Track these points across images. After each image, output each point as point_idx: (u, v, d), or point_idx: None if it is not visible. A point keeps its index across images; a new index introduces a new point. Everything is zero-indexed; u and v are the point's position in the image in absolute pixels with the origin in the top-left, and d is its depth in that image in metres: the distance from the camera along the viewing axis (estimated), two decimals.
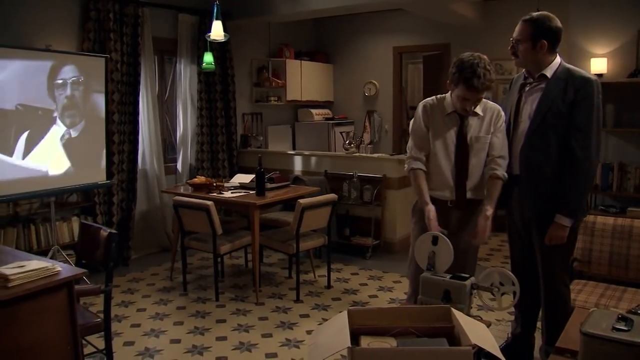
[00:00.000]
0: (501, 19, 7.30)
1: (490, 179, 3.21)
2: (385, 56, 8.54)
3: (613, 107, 5.30)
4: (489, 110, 3.27)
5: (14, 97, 4.69)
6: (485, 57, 3.16)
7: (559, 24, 3.04)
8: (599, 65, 5.33)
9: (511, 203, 3.31)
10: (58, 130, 5.08)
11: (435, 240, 2.81)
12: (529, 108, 3.12)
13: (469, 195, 3.27)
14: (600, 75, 5.32)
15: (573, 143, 2.97)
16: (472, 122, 3.25)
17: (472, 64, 3.10)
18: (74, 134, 5.21)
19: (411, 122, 3.51)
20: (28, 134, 4.82)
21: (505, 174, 3.19)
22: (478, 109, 3.23)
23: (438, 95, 3.43)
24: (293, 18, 7.44)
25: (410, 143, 3.42)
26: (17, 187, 4.74)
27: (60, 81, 5.04)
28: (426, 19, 7.63)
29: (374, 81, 8.64)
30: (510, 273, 2.63)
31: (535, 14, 3.06)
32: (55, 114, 5.03)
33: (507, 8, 7.21)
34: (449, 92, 3.32)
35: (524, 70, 3.23)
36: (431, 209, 3.20)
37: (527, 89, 3.17)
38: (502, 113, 3.27)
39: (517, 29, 3.10)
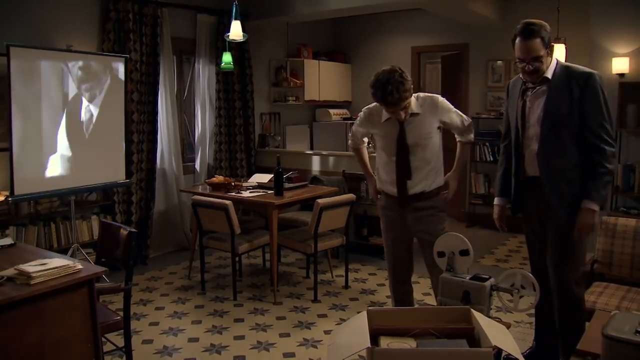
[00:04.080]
0: (520, 18, 7.20)
1: (461, 144, 3.68)
2: (404, 56, 8.51)
3: (635, 108, 5.23)
4: (426, 104, 3.47)
5: (36, 98, 4.74)
6: (398, 68, 3.30)
7: (547, 25, 3.01)
8: (620, 64, 5.26)
9: (527, 205, 3.26)
10: (78, 129, 5.12)
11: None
12: (536, 112, 3.07)
13: (414, 190, 3.49)
14: (622, 75, 5.26)
15: (588, 135, 2.95)
16: (413, 122, 3.45)
17: (381, 85, 3.28)
18: (93, 132, 5.25)
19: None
20: (49, 134, 4.87)
21: (472, 136, 3.65)
22: (415, 107, 3.43)
23: None
24: (311, 18, 7.43)
25: (350, 135, 3.92)
26: (39, 185, 4.80)
27: (81, 81, 5.08)
28: (445, 18, 7.59)
29: None
30: (532, 277, 2.61)
31: (533, 24, 2.95)
32: (77, 114, 5.08)
33: (526, 8, 7.15)
34: None
35: (519, 74, 3.14)
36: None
37: (530, 93, 3.11)
38: (437, 98, 3.50)
39: (529, 47, 2.93)
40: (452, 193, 3.67)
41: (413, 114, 3.43)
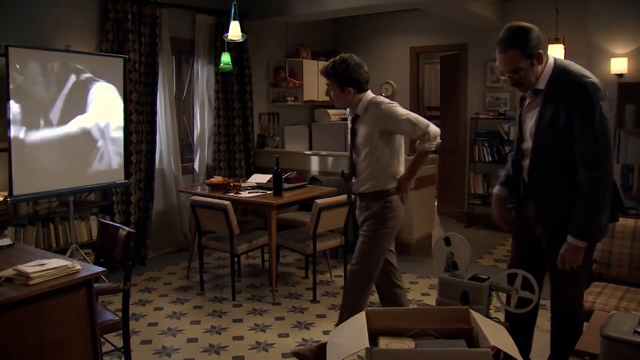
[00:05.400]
0: (519, 19, 7.22)
1: (417, 150, 3.54)
2: (403, 56, 8.53)
3: (633, 108, 5.24)
4: (370, 109, 3.48)
5: (36, 97, 4.73)
6: (351, 58, 3.46)
7: (534, 27, 2.70)
8: (619, 65, 5.27)
9: (524, 206, 3.05)
10: (77, 129, 5.12)
11: (448, 241, 2.80)
12: (529, 125, 2.83)
13: (359, 188, 3.59)
14: (620, 76, 5.27)
15: (579, 158, 2.63)
16: (360, 122, 3.52)
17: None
18: (92, 133, 5.24)
19: None
20: (48, 135, 4.86)
21: (431, 146, 3.45)
22: (359, 109, 3.51)
23: None
24: (310, 18, 7.44)
25: None
26: (37, 186, 4.80)
27: (79, 81, 5.08)
28: (443, 19, 7.60)
29: (390, 81, 8.61)
30: (533, 279, 2.59)
31: (511, 33, 2.68)
32: (75, 114, 5.08)
33: (524, 8, 7.16)
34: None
35: None
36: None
37: (526, 103, 2.89)
38: (383, 106, 3.43)
39: (505, 60, 2.69)
40: (405, 194, 3.60)
41: (361, 115, 3.52)
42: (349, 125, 3.65)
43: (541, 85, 2.72)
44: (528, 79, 2.71)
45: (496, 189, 3.20)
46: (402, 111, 3.44)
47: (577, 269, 2.76)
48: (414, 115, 3.44)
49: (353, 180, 3.64)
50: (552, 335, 3.00)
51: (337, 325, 3.72)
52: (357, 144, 3.54)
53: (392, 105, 3.45)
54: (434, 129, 3.45)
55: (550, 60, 2.74)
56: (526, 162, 2.89)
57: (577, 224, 2.67)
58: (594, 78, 2.66)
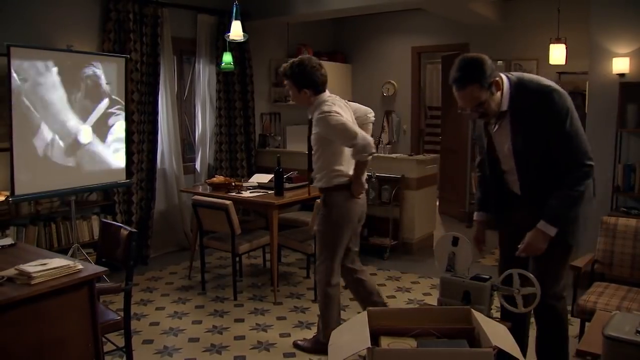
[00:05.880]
0: (520, 18, 7.25)
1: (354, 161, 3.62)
2: (404, 56, 8.52)
3: (635, 108, 5.22)
4: (315, 114, 3.57)
5: (38, 97, 4.74)
6: (308, 61, 3.58)
7: (485, 57, 2.65)
8: (621, 64, 5.25)
9: (515, 215, 3.04)
10: (78, 129, 5.12)
11: (455, 241, 2.79)
12: (504, 147, 2.82)
13: (315, 184, 3.79)
14: (622, 75, 5.26)
15: (557, 155, 2.69)
16: (313, 124, 3.64)
17: None
18: (93, 132, 5.25)
19: None
20: (50, 134, 4.87)
21: (361, 157, 3.50)
22: (310, 111, 3.66)
23: None
24: (311, 18, 7.44)
25: None
26: (39, 186, 4.80)
27: (81, 81, 5.08)
28: (445, 18, 7.60)
29: (392, 81, 8.63)
30: (528, 273, 2.59)
31: (464, 69, 2.61)
32: (77, 114, 5.08)
33: (526, 8, 7.16)
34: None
35: None
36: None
37: (494, 129, 2.85)
38: (323, 115, 3.48)
39: (465, 98, 2.66)
40: (355, 194, 3.67)
41: (312, 117, 3.66)
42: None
43: (504, 106, 2.72)
44: (491, 109, 2.70)
45: (477, 216, 3.25)
46: (334, 121, 3.46)
47: (554, 266, 2.83)
48: (343, 127, 3.46)
49: (313, 176, 3.86)
50: (537, 341, 3.06)
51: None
52: (311, 143, 3.73)
53: (328, 114, 3.48)
54: (361, 141, 3.44)
55: (505, 81, 2.73)
56: (513, 178, 2.91)
57: (552, 210, 2.72)
58: (551, 83, 2.71)
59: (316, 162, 3.71)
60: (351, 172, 3.66)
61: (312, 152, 3.73)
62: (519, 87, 2.71)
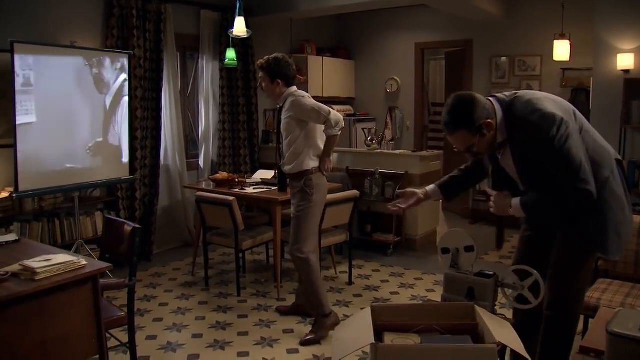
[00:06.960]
0: (524, 15, 7.23)
1: (326, 136, 4.03)
2: (407, 52, 8.50)
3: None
4: (287, 102, 3.99)
5: (42, 93, 4.74)
6: (283, 58, 4.02)
7: (477, 97, 2.60)
8: (625, 61, 5.25)
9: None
10: (82, 125, 5.13)
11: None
12: (512, 172, 2.79)
13: (286, 170, 4.13)
14: (627, 72, 5.25)
15: (556, 182, 2.57)
16: (283, 113, 4.04)
17: None
18: (97, 128, 5.26)
19: None
20: (53, 130, 4.88)
21: (333, 131, 3.93)
22: (281, 101, 4.05)
23: None
24: (315, 14, 7.43)
25: None
26: (43, 182, 4.81)
27: (84, 78, 5.09)
28: (448, 15, 7.58)
29: (395, 77, 8.61)
30: (525, 266, 2.56)
31: (453, 113, 2.58)
32: (80, 110, 5.09)
33: (530, 4, 7.14)
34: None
35: None
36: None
37: (499, 156, 2.82)
38: (295, 99, 3.95)
39: (456, 141, 2.65)
40: (324, 170, 4.10)
41: (283, 106, 4.05)
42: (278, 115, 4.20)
43: (500, 138, 2.68)
44: (484, 149, 2.68)
45: (431, 189, 3.26)
46: (309, 102, 3.96)
47: (575, 271, 2.75)
48: (318, 105, 3.94)
49: (281, 162, 4.19)
50: (542, 334, 2.91)
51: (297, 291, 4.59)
52: (281, 131, 4.11)
53: (302, 97, 3.98)
54: (334, 116, 3.93)
55: (498, 111, 2.65)
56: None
57: (529, 201, 2.66)
58: (542, 107, 2.56)
59: (288, 148, 4.04)
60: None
61: (283, 138, 4.08)
62: (509, 118, 2.64)
